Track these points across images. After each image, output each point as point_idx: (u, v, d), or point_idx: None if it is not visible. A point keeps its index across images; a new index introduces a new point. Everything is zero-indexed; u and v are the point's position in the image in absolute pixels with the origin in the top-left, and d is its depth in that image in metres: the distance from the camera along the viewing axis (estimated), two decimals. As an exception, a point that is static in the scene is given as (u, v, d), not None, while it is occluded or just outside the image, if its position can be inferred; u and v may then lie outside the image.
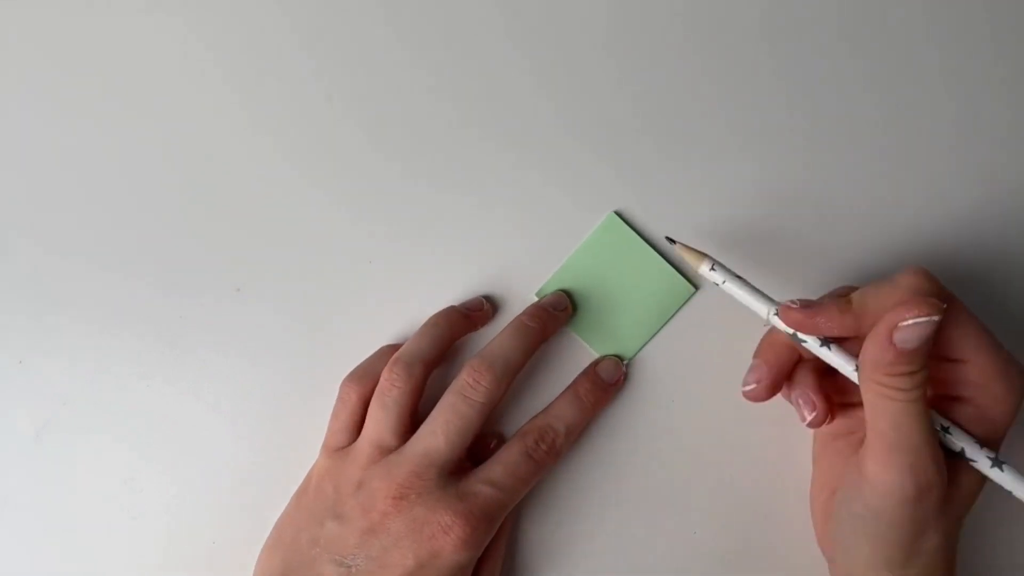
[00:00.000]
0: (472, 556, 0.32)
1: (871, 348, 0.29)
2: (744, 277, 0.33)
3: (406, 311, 0.38)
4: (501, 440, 0.36)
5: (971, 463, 0.29)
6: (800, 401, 0.33)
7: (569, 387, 0.36)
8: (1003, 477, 0.29)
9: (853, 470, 0.31)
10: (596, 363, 0.37)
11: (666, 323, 0.38)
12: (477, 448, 0.35)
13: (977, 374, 0.29)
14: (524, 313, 0.36)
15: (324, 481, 0.34)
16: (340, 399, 0.36)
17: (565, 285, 0.38)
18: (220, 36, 0.38)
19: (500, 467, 0.33)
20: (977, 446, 0.29)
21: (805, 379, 0.33)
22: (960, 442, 0.29)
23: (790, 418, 0.35)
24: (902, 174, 0.38)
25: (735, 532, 0.37)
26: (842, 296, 0.31)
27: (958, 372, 0.30)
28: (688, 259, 0.34)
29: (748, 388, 0.33)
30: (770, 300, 0.32)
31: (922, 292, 0.29)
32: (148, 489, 0.38)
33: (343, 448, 0.35)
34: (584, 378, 0.37)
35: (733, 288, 0.33)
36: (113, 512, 0.38)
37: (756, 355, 0.34)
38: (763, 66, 0.38)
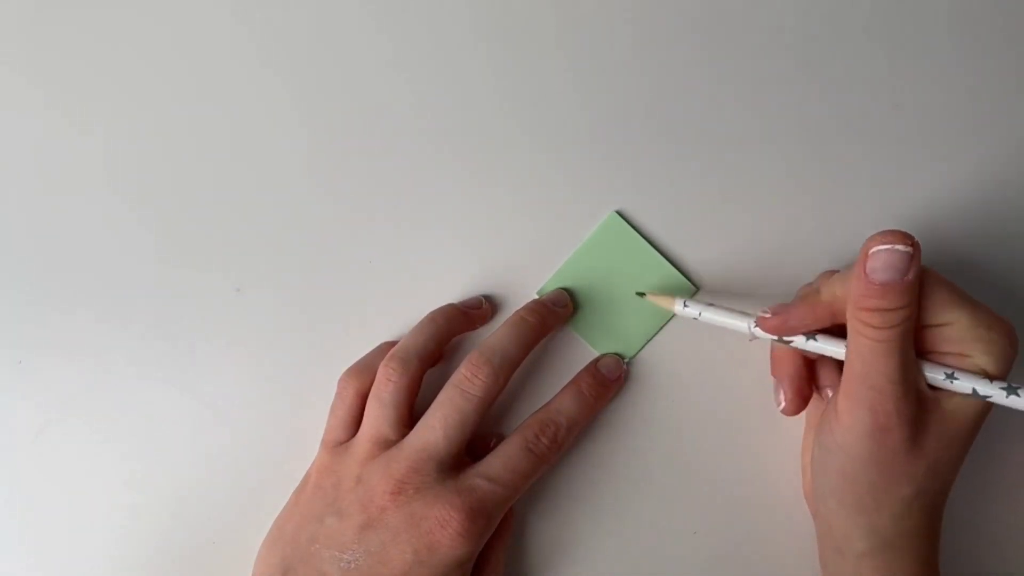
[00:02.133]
0: (471, 551, 0.32)
1: (852, 282, 0.29)
2: (715, 303, 0.35)
3: (406, 310, 0.38)
4: (501, 440, 0.36)
5: (987, 400, 0.30)
6: (775, 391, 0.35)
7: (571, 382, 0.36)
8: (1021, 401, 0.29)
9: (831, 408, 0.32)
10: (597, 360, 0.37)
11: (667, 322, 0.38)
12: (477, 448, 0.35)
13: (963, 332, 0.30)
14: (523, 308, 0.36)
15: (323, 477, 0.34)
16: (338, 395, 0.36)
17: (566, 284, 0.38)
18: (216, 34, 0.38)
19: (499, 461, 0.33)
20: (987, 381, 0.29)
21: (783, 370, 0.35)
22: (969, 383, 0.30)
23: (789, 418, 0.35)
24: (899, 171, 0.38)
25: (735, 532, 0.37)
26: (812, 290, 0.32)
27: (945, 335, 0.30)
28: (662, 305, 0.36)
29: (780, 407, 0.35)
30: (747, 315, 0.33)
31: None
32: (148, 489, 0.38)
33: (342, 444, 0.35)
34: (586, 373, 0.37)
35: (710, 316, 0.34)
36: (113, 512, 0.37)
37: (772, 373, 0.35)
38: (764, 66, 0.38)
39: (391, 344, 0.37)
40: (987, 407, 0.30)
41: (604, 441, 0.38)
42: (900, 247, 0.28)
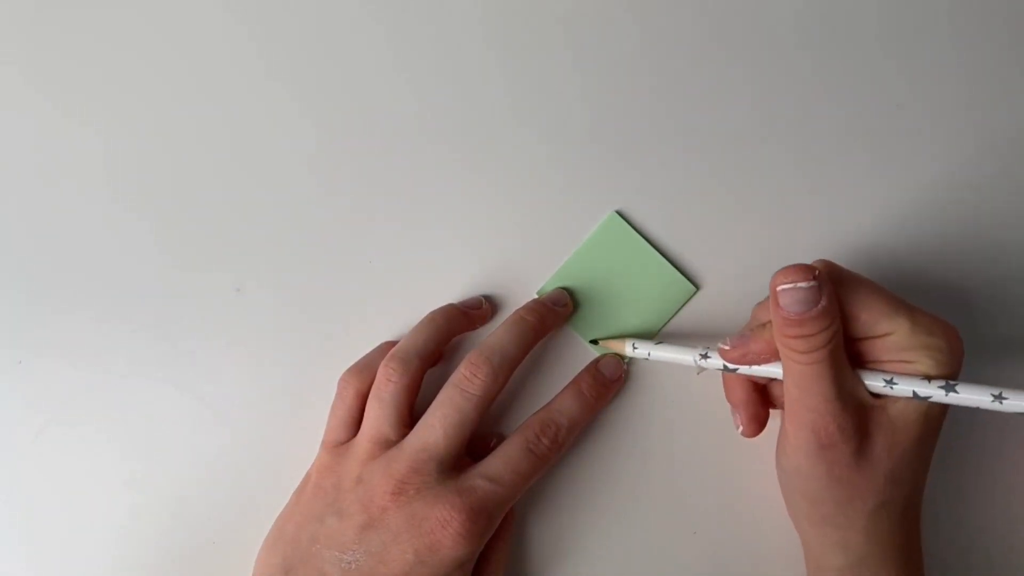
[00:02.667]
0: (471, 551, 0.32)
1: (772, 314, 0.30)
2: (664, 340, 0.36)
3: (406, 310, 0.38)
4: (501, 440, 0.36)
5: (927, 400, 0.30)
6: (732, 416, 0.36)
7: (571, 383, 0.36)
8: (960, 397, 0.29)
9: (781, 431, 0.32)
10: (598, 360, 0.37)
11: (667, 322, 0.38)
12: (477, 448, 0.35)
13: (904, 340, 0.30)
14: (523, 307, 0.36)
15: (324, 477, 0.34)
16: (338, 395, 0.36)
17: (566, 284, 0.38)
18: (216, 34, 0.38)
19: (500, 461, 0.33)
20: (925, 382, 0.29)
21: (735, 396, 0.35)
22: (909, 386, 0.30)
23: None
24: (900, 171, 0.38)
25: (735, 532, 0.37)
26: (762, 323, 0.32)
27: (888, 344, 0.30)
28: (615, 349, 0.37)
29: (740, 431, 0.35)
30: (694, 349, 0.34)
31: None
32: (148, 489, 0.38)
33: (342, 444, 0.35)
34: (586, 374, 0.37)
35: (659, 354, 0.35)
36: (113, 512, 0.37)
37: (727, 399, 0.36)
38: (765, 66, 0.38)
39: (391, 344, 0.37)
40: (934, 409, 0.30)
41: (604, 441, 0.38)
42: (802, 284, 0.28)
